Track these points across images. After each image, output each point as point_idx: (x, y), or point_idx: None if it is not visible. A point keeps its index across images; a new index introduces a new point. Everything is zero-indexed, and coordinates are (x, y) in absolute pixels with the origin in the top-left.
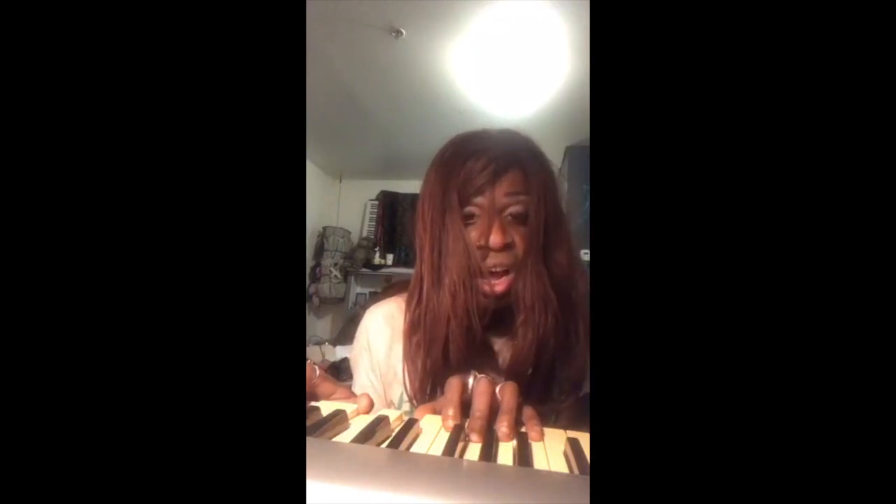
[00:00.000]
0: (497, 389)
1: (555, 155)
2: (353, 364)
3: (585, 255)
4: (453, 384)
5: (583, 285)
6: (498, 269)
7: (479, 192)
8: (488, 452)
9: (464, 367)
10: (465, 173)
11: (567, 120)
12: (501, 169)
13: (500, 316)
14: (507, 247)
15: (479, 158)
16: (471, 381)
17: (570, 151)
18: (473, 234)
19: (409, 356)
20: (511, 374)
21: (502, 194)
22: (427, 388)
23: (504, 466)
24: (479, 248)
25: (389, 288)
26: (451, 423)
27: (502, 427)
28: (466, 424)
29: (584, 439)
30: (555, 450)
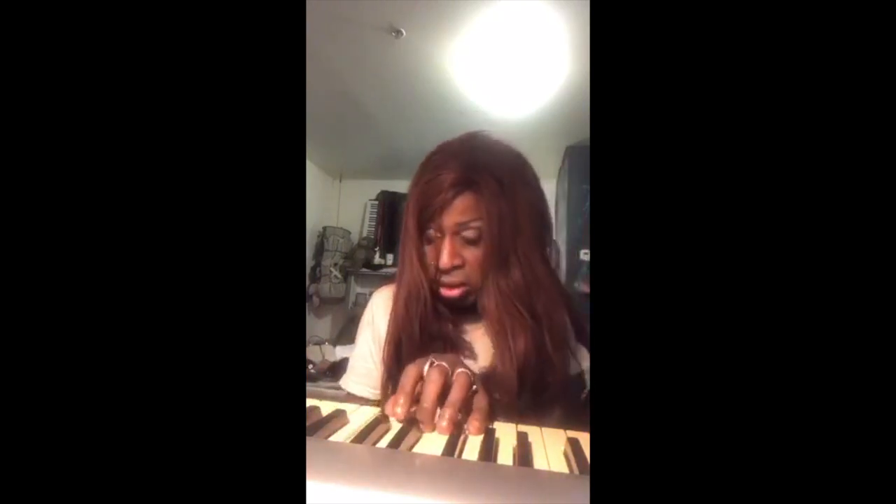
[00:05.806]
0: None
1: (555, 155)
2: (357, 336)
3: (585, 255)
4: (410, 373)
5: (551, 296)
6: (453, 282)
7: (432, 217)
8: (488, 452)
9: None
10: (423, 197)
11: (567, 120)
12: (452, 195)
13: (465, 309)
14: (456, 267)
15: (432, 182)
16: (426, 368)
17: (570, 151)
18: (432, 252)
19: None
20: (501, 392)
21: (452, 222)
22: (388, 387)
23: (504, 466)
24: (435, 267)
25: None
26: (399, 411)
27: (441, 421)
28: (417, 413)
29: (584, 439)
30: (555, 450)
